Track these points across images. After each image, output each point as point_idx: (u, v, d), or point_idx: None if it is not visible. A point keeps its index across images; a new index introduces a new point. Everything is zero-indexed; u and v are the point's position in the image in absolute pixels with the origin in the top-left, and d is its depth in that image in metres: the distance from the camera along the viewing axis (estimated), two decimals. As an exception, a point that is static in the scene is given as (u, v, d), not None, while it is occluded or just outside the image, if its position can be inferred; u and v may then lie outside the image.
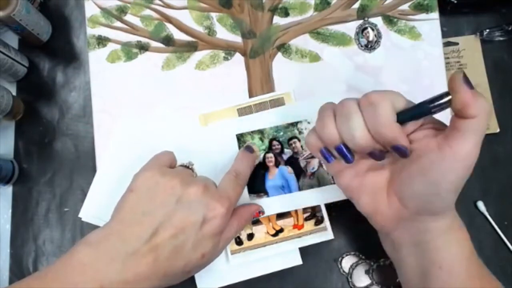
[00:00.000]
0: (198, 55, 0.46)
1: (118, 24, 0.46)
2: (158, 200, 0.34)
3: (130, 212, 0.34)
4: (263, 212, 0.42)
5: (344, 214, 0.43)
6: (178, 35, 0.46)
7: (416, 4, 0.46)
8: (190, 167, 0.38)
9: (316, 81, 0.45)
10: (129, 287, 0.32)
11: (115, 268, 0.32)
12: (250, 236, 0.43)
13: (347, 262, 0.44)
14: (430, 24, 0.45)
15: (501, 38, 0.49)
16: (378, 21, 0.46)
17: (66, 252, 0.33)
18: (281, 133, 0.44)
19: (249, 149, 0.41)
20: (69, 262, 0.32)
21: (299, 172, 0.43)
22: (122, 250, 0.32)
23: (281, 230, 0.43)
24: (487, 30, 0.49)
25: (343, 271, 0.44)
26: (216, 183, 0.38)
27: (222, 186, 0.37)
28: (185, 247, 0.34)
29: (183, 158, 0.39)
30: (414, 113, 0.29)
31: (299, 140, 0.43)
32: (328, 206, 0.43)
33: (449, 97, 0.28)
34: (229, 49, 0.46)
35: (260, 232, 0.43)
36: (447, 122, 0.30)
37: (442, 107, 0.28)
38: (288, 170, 0.43)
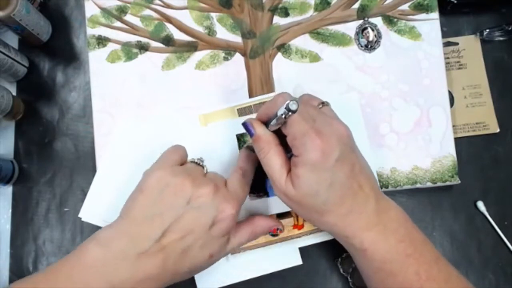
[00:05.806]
0: (198, 55, 0.46)
1: (118, 24, 0.46)
2: (168, 202, 0.34)
3: (140, 212, 0.34)
4: (281, 230, 0.42)
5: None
6: (178, 35, 0.46)
7: (416, 4, 0.46)
8: (200, 163, 0.38)
9: (316, 81, 0.45)
10: (140, 286, 0.32)
11: (126, 268, 0.32)
12: (250, 236, 0.43)
13: (347, 262, 0.44)
14: (430, 24, 0.45)
15: (501, 38, 0.49)
16: (378, 21, 0.46)
17: (75, 250, 0.33)
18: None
19: (252, 148, 0.41)
20: (79, 261, 0.32)
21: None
22: (132, 250, 0.32)
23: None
24: (487, 30, 0.49)
25: (343, 271, 0.44)
26: None
27: (231, 185, 0.37)
28: (194, 248, 0.34)
29: (183, 158, 0.39)
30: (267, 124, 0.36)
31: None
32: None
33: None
34: (229, 49, 0.46)
35: (260, 232, 0.43)
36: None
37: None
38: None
